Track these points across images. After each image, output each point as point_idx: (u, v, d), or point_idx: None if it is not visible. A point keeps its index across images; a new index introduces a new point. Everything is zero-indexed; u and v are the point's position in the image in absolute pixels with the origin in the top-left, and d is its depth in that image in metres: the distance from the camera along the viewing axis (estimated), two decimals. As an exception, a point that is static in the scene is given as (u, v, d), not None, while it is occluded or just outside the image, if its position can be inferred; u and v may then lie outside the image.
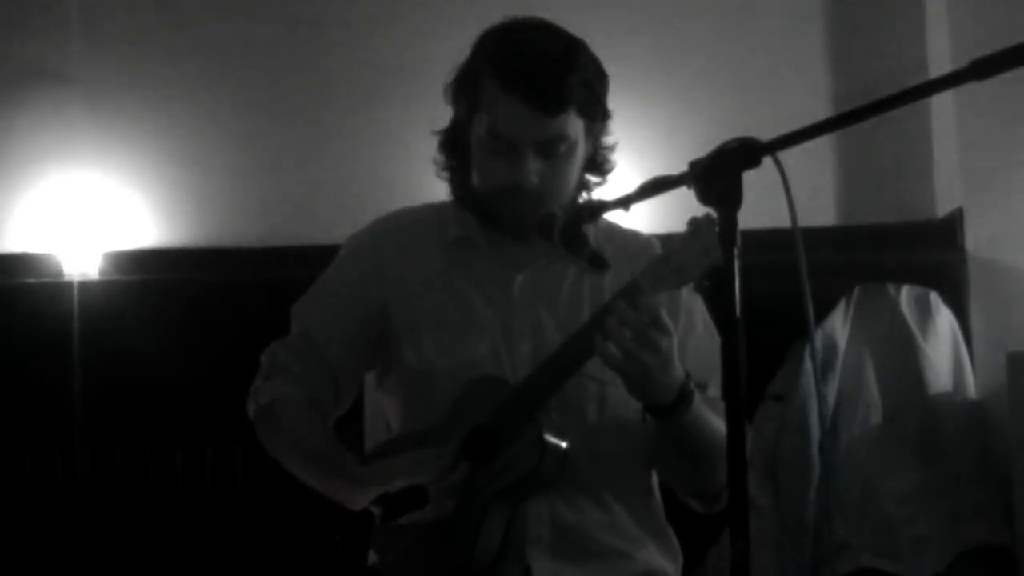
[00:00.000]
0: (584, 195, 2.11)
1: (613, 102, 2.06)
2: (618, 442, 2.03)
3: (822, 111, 3.32)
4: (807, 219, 1.47)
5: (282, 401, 2.09)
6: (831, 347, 3.03)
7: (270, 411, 2.09)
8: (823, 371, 3.02)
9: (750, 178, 1.44)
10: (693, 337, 2.08)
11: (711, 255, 1.76)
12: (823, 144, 3.33)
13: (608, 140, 2.10)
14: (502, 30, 2.03)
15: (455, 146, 2.09)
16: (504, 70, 1.96)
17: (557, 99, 1.95)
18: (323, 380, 2.10)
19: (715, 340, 2.08)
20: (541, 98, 1.94)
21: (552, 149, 1.97)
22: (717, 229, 1.43)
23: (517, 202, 1.98)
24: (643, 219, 2.14)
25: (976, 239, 3.20)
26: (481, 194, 2.04)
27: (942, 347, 3.07)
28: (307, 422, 2.08)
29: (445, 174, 2.13)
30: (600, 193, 2.08)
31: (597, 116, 2.03)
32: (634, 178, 1.68)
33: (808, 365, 2.98)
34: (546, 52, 1.98)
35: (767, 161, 1.44)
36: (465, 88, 2.04)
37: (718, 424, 1.93)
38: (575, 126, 1.98)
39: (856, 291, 3.11)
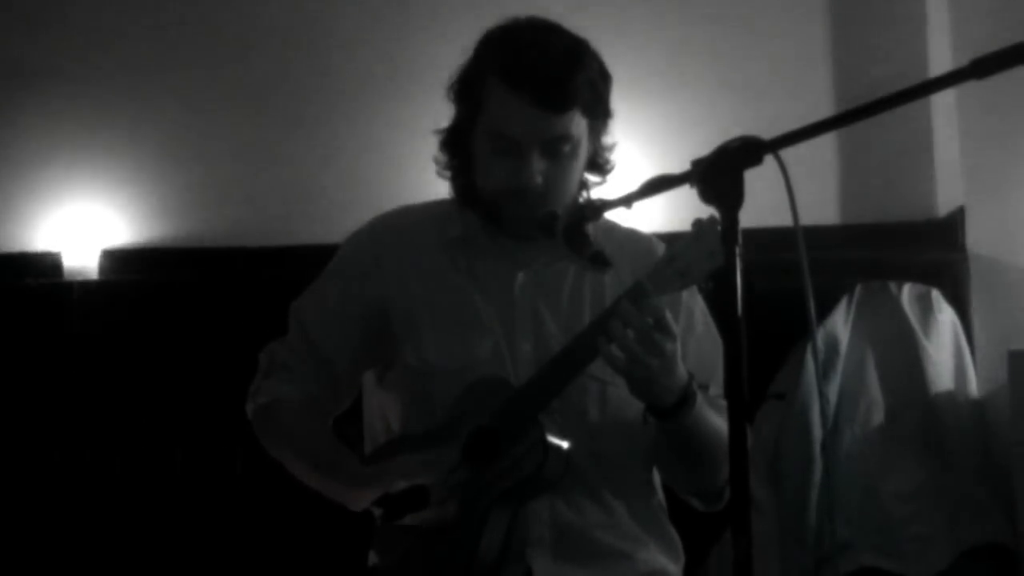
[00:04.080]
0: (584, 194, 2.11)
1: (616, 101, 2.06)
2: (619, 442, 2.03)
3: (824, 110, 3.32)
4: (809, 218, 1.47)
5: (281, 401, 2.08)
6: (833, 346, 3.03)
7: (269, 411, 2.09)
8: (825, 370, 3.01)
9: (752, 177, 1.44)
10: (693, 337, 2.08)
11: (715, 257, 1.76)
12: (825, 143, 3.33)
13: (608, 141, 2.10)
14: (505, 30, 2.03)
15: (457, 145, 2.09)
16: (509, 69, 1.96)
17: (563, 98, 1.95)
18: (322, 379, 2.10)
19: (715, 340, 2.08)
20: (547, 96, 1.94)
21: (557, 148, 1.97)
22: (720, 229, 1.43)
23: (522, 204, 1.98)
24: (645, 218, 2.13)
25: (977, 238, 3.19)
26: (486, 195, 2.04)
27: (944, 345, 3.06)
28: (306, 422, 2.08)
29: (446, 173, 2.13)
30: (602, 192, 2.08)
31: (600, 115, 2.03)
32: (636, 176, 1.68)
33: (810, 364, 2.97)
34: (551, 51, 1.98)
35: (769, 160, 1.44)
36: (468, 88, 2.03)
37: (719, 423, 1.93)
38: (579, 125, 1.98)
39: (858, 289, 3.10)
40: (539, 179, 1.96)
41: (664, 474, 2.14)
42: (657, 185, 1.59)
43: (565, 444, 1.90)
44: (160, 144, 3.41)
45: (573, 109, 1.96)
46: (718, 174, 1.44)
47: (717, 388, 2.06)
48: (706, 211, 1.66)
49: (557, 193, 1.99)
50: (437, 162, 2.13)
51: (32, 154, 3.40)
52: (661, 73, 3.39)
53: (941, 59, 3.28)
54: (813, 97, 3.40)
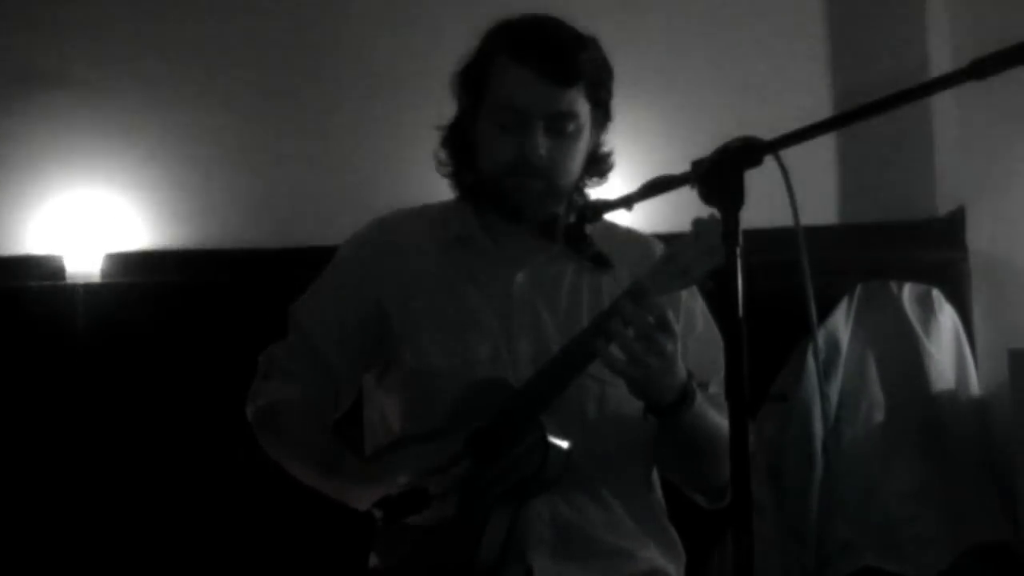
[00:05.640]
0: (581, 195, 2.12)
1: (616, 102, 2.07)
2: (618, 441, 2.03)
3: (824, 110, 3.32)
4: (809, 218, 1.47)
5: (281, 403, 2.08)
6: (834, 346, 3.03)
7: (269, 413, 2.09)
8: (826, 370, 3.02)
9: (752, 177, 1.44)
10: (694, 336, 2.08)
11: (715, 256, 1.76)
12: (825, 143, 3.33)
13: (605, 148, 2.11)
14: (512, 19, 2.07)
15: (459, 139, 2.10)
16: (516, 45, 1.99)
17: (568, 71, 1.98)
18: (322, 381, 2.10)
19: (716, 338, 2.08)
20: (553, 69, 1.97)
21: (561, 126, 1.99)
22: (720, 230, 1.43)
23: (525, 177, 1.99)
24: (646, 219, 2.13)
25: (978, 237, 3.19)
26: (489, 175, 2.04)
27: (945, 344, 3.07)
28: (307, 423, 2.08)
29: (446, 169, 2.14)
30: (602, 192, 2.08)
31: (602, 106, 2.05)
32: (637, 177, 1.68)
33: (811, 364, 2.98)
34: (558, 32, 2.03)
35: (769, 160, 1.44)
36: (475, 71, 2.06)
37: (720, 421, 1.93)
38: (583, 107, 2.00)
39: (858, 289, 3.10)
40: (543, 152, 1.98)
41: (667, 472, 2.14)
42: (657, 186, 1.59)
43: (565, 444, 1.90)
44: (164, 148, 3.41)
45: (577, 85, 1.99)
46: (718, 175, 1.44)
47: (718, 387, 2.06)
48: (707, 211, 1.67)
49: (559, 171, 2.00)
50: (437, 159, 2.14)
51: (36, 157, 3.39)
52: (661, 73, 3.39)
53: (941, 59, 3.28)
54: (813, 97, 3.39)
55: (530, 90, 1.97)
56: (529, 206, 1.99)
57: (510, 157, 2.00)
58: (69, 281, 3.29)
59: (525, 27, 2.03)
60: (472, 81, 2.06)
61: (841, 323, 3.06)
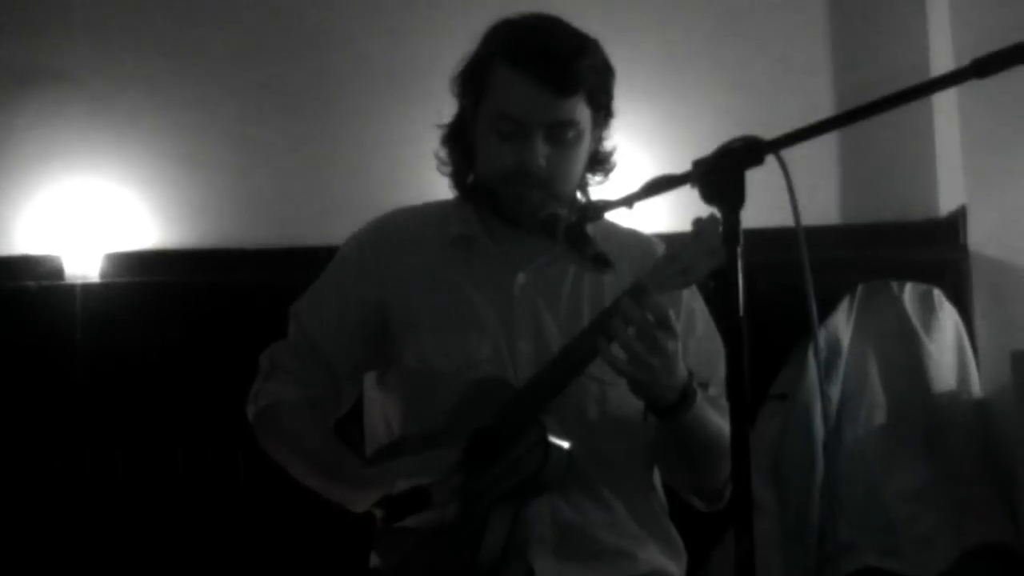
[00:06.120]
0: (583, 195, 2.12)
1: (616, 102, 2.07)
2: (619, 441, 2.03)
3: (825, 110, 3.32)
4: (810, 218, 1.47)
5: (282, 403, 2.08)
6: (835, 345, 3.03)
7: (270, 413, 2.09)
8: (827, 370, 3.01)
9: (753, 177, 1.44)
10: (694, 336, 2.08)
11: (716, 256, 1.76)
12: (826, 142, 3.32)
13: (608, 145, 2.10)
14: (511, 20, 2.05)
15: (459, 139, 2.10)
16: (515, 51, 1.98)
17: (568, 80, 1.96)
18: (323, 381, 2.10)
19: (715, 339, 2.08)
20: (552, 78, 1.95)
21: (560, 134, 1.98)
22: (721, 229, 1.43)
23: (524, 186, 1.98)
24: (647, 218, 2.13)
25: (979, 237, 3.19)
26: (487, 180, 2.04)
27: (946, 344, 3.06)
28: (307, 424, 2.08)
29: (446, 169, 2.13)
30: (603, 192, 2.08)
31: (603, 108, 2.04)
32: (637, 177, 1.68)
33: (812, 364, 2.97)
34: (557, 36, 2.01)
35: (770, 160, 1.44)
36: (474, 74, 2.04)
37: (719, 422, 1.94)
38: (583, 114, 1.99)
39: (859, 289, 3.10)
40: (542, 162, 1.97)
41: (665, 474, 2.14)
42: (658, 185, 1.59)
43: (566, 444, 1.90)
44: (163, 147, 3.41)
45: (578, 94, 1.97)
46: (719, 174, 1.44)
47: (718, 388, 2.06)
48: (707, 211, 1.66)
49: (559, 179, 1.99)
50: (438, 158, 2.14)
51: (36, 156, 3.39)
52: (661, 73, 3.39)
53: (941, 59, 3.27)
54: (814, 97, 3.39)
55: (530, 99, 1.96)
56: (528, 214, 1.98)
57: (509, 165, 1.99)
58: (68, 281, 3.29)
59: (525, 31, 2.01)
60: (471, 84, 2.05)
61: (842, 323, 3.06)
